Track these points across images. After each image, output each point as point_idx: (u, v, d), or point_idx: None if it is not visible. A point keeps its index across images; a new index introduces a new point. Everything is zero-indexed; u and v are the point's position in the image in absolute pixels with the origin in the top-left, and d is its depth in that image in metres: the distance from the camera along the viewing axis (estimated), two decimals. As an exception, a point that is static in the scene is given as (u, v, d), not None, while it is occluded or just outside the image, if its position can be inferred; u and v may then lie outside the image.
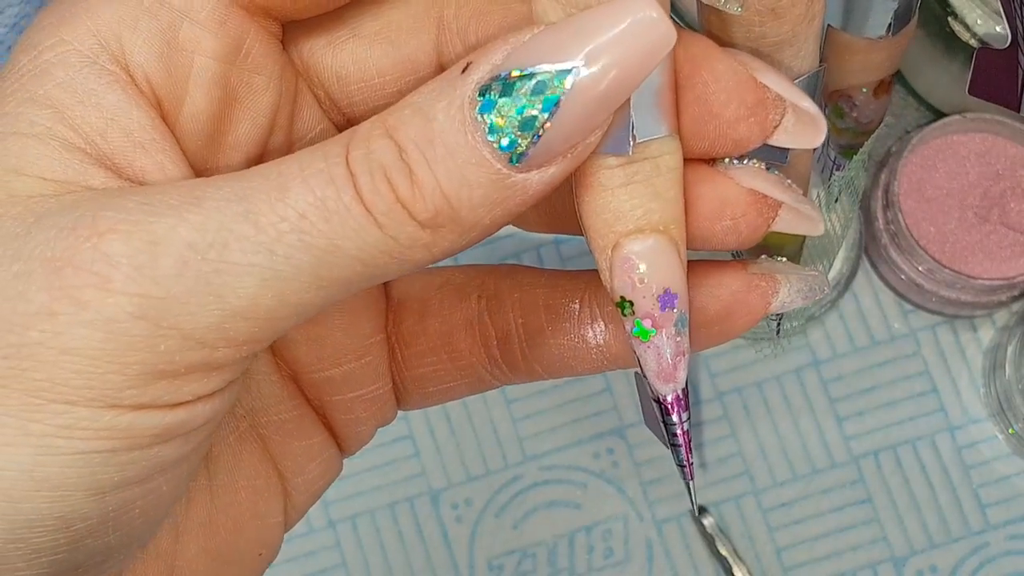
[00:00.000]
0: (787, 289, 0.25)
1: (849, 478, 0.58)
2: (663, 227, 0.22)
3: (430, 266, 0.28)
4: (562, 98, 0.20)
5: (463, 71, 0.21)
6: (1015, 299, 0.57)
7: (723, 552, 0.57)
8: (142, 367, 0.20)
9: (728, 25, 0.23)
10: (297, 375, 0.28)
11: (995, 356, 0.58)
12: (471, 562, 0.58)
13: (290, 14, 0.24)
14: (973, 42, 0.52)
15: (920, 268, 0.56)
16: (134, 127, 0.22)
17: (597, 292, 0.27)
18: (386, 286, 0.30)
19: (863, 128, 0.48)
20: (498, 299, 0.28)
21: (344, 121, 0.27)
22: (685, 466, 0.25)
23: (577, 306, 0.27)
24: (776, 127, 0.23)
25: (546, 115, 0.20)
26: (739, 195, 0.23)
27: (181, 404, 0.21)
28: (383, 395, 0.29)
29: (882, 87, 0.45)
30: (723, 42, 0.23)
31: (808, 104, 0.23)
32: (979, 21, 0.53)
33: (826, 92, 0.35)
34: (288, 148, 0.25)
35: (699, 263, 0.25)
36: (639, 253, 0.22)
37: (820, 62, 0.24)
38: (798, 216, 0.24)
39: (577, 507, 0.58)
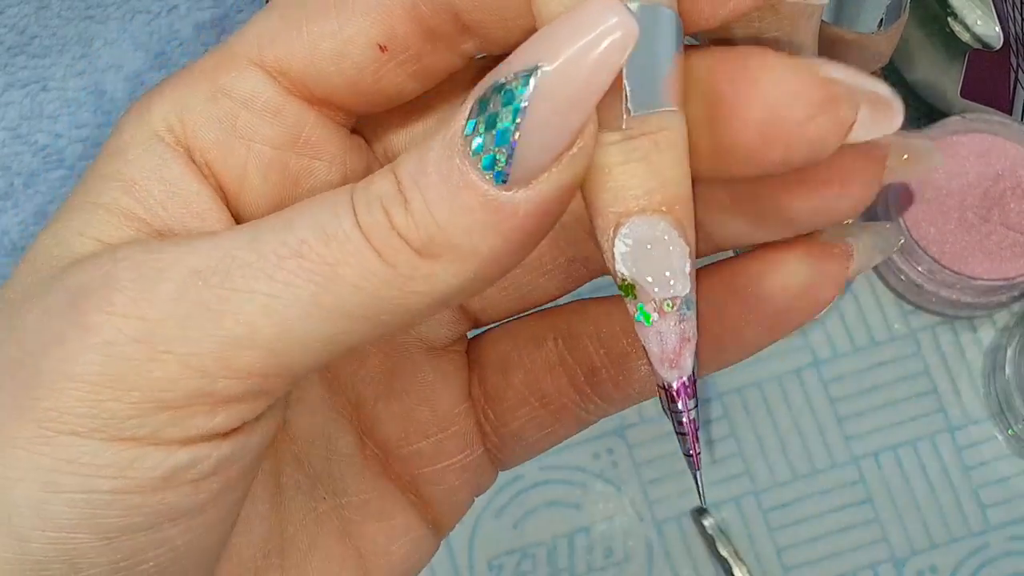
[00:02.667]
0: (861, 250, 0.24)
1: (849, 478, 0.58)
2: (666, 207, 0.21)
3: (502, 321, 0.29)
4: (525, 104, 0.20)
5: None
6: (1015, 299, 0.57)
7: (723, 552, 0.57)
8: (141, 394, 0.20)
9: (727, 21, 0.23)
10: (385, 453, 0.28)
11: (995, 357, 0.58)
12: (471, 562, 0.58)
13: (350, 110, 0.24)
14: (973, 42, 0.52)
15: (920, 268, 0.56)
16: (194, 198, 0.23)
17: None
18: (467, 352, 0.29)
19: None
20: (574, 337, 0.28)
21: None
22: (692, 456, 0.24)
23: None
24: (851, 124, 0.21)
25: (514, 124, 0.20)
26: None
27: (186, 443, 0.21)
28: (474, 462, 0.29)
29: (873, 79, 0.45)
30: (722, 39, 0.23)
31: (882, 88, 0.21)
32: (979, 21, 0.53)
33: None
34: None
35: (758, 250, 0.25)
36: (639, 233, 0.21)
37: (816, 54, 0.24)
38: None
39: (577, 507, 0.58)
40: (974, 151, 0.56)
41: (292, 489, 0.27)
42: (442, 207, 0.20)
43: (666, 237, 0.22)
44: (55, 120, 0.48)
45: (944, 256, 0.56)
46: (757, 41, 0.23)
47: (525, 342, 0.28)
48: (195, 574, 0.23)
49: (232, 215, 0.24)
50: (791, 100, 0.21)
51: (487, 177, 0.20)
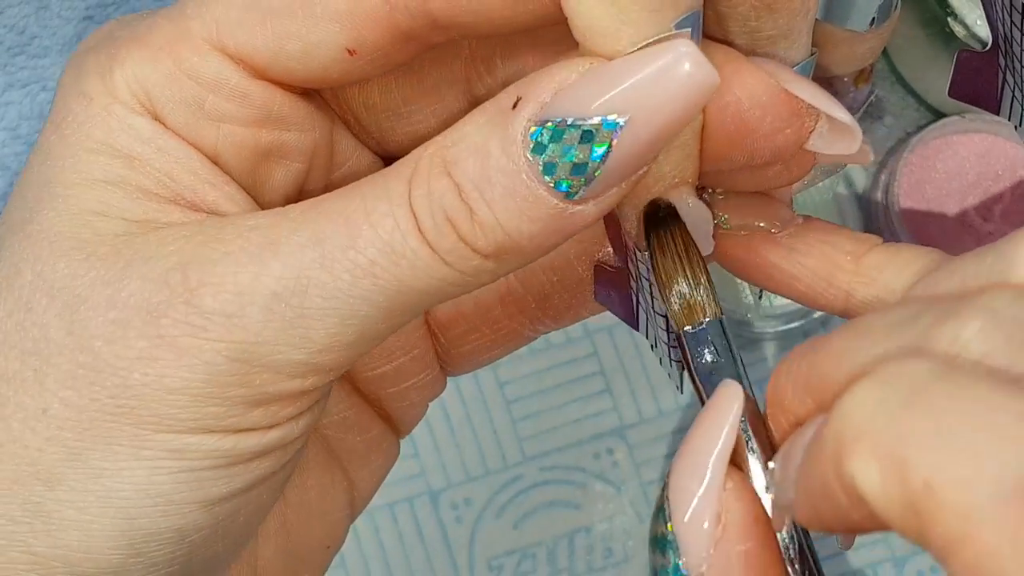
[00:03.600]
0: (822, 129, 0.25)
1: (849, 478, 0.58)
2: (692, 179, 0.23)
3: None
4: (611, 148, 0.21)
5: (513, 106, 0.21)
6: (1015, 299, 0.57)
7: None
8: (240, 399, 0.22)
9: (724, 20, 0.23)
10: (352, 376, 0.30)
11: (995, 356, 0.58)
12: (471, 562, 0.58)
13: (325, 87, 0.25)
14: (973, 42, 0.52)
15: (920, 268, 0.56)
16: (197, 166, 0.24)
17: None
18: None
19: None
20: (527, 269, 0.29)
21: (377, 147, 0.27)
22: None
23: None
24: (811, 133, 0.23)
25: (596, 161, 0.21)
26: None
27: (276, 427, 0.23)
28: (432, 379, 0.31)
29: (862, 76, 0.45)
30: (718, 37, 0.23)
31: (841, 113, 0.23)
32: (979, 21, 0.53)
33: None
34: (326, 180, 0.27)
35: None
36: (680, 206, 0.23)
37: (811, 52, 0.24)
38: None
39: (577, 507, 0.58)
40: (974, 151, 0.56)
41: None
42: (511, 219, 0.21)
43: (698, 207, 0.23)
44: (55, 120, 0.48)
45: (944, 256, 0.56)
46: (753, 39, 0.23)
47: None
48: (264, 516, 0.26)
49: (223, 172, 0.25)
50: (761, 114, 0.22)
51: (557, 192, 0.21)
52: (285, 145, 0.25)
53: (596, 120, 0.20)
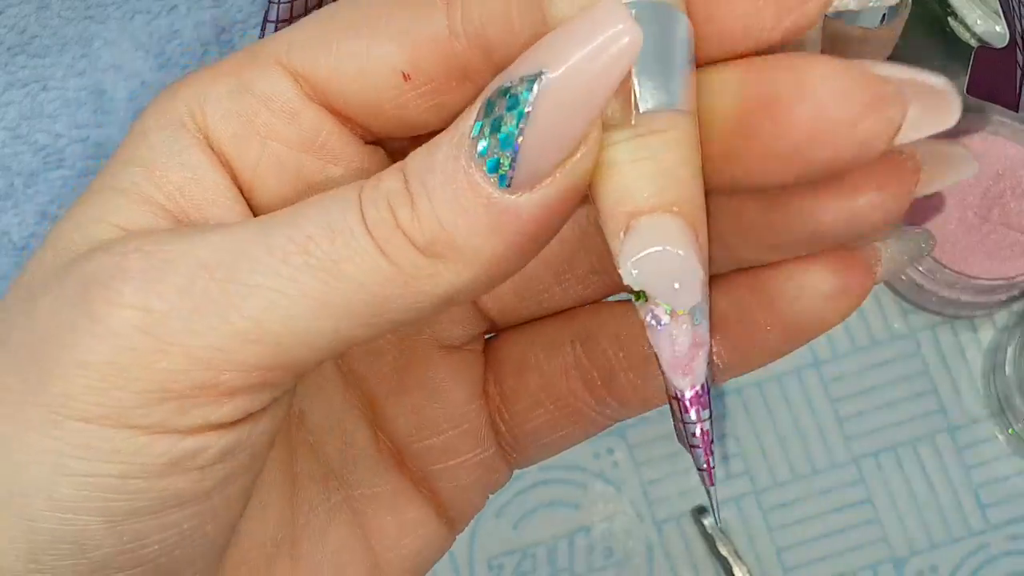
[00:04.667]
0: (888, 256, 0.24)
1: (849, 478, 0.58)
2: (677, 207, 0.21)
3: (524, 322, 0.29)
4: (529, 109, 0.20)
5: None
6: (1015, 299, 0.57)
7: (723, 552, 0.57)
8: (147, 384, 0.21)
9: None
10: (398, 448, 0.28)
11: (995, 356, 0.58)
12: (471, 562, 0.58)
13: (369, 130, 0.24)
14: (973, 42, 0.52)
15: (920, 268, 0.56)
16: (211, 185, 0.23)
17: None
18: (484, 350, 0.29)
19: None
20: (592, 339, 0.28)
21: None
22: (705, 470, 0.24)
23: None
24: (899, 125, 0.21)
25: (519, 128, 0.20)
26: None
27: (191, 432, 0.21)
28: (486, 460, 0.29)
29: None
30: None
31: (934, 80, 0.21)
32: (979, 21, 0.53)
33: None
34: None
35: (776, 265, 0.24)
36: (649, 235, 0.21)
37: (821, 49, 0.24)
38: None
39: (577, 507, 0.58)
40: (974, 151, 0.56)
41: (305, 479, 0.27)
42: (446, 208, 0.20)
43: (677, 238, 0.21)
44: (55, 120, 0.48)
45: (944, 256, 0.56)
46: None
47: (542, 344, 0.28)
48: (202, 559, 0.23)
49: (243, 199, 0.24)
50: (841, 99, 0.20)
51: (491, 180, 0.20)
52: (329, 180, 0.24)
53: (517, 79, 0.20)
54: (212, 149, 0.24)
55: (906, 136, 0.21)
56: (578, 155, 0.20)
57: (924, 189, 0.23)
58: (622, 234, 0.21)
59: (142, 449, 0.21)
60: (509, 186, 0.20)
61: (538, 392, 0.28)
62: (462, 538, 0.58)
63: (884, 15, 0.32)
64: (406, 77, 0.23)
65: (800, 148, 0.21)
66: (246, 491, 0.24)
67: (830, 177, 0.22)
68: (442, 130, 0.24)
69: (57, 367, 0.21)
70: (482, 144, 0.20)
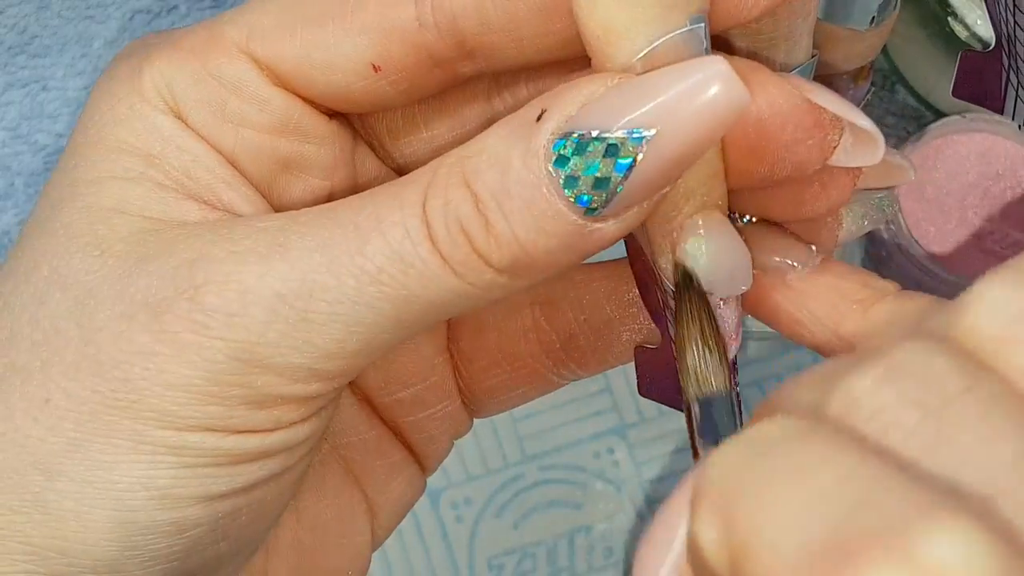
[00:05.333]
0: (850, 218, 0.25)
1: (849, 478, 0.58)
2: (720, 201, 0.22)
3: None
4: (635, 163, 0.20)
5: (538, 119, 0.21)
6: (1015, 299, 0.57)
7: (723, 552, 0.57)
8: (241, 400, 0.22)
9: None
10: (369, 399, 0.29)
11: (995, 356, 0.58)
12: (471, 562, 0.58)
13: (335, 111, 0.25)
14: (972, 42, 0.52)
15: (920, 268, 0.56)
16: (215, 165, 0.24)
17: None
18: None
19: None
20: (553, 303, 0.28)
21: (401, 169, 0.27)
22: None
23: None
24: (835, 148, 0.22)
25: (620, 176, 0.20)
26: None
27: (278, 429, 0.23)
28: (452, 412, 0.30)
29: (862, 73, 0.45)
30: (718, 39, 0.23)
31: (865, 122, 0.22)
32: (979, 21, 0.53)
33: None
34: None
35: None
36: (707, 231, 0.22)
37: (812, 54, 0.24)
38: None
39: (577, 507, 0.58)
40: (974, 151, 0.56)
41: None
42: (527, 233, 0.21)
43: (729, 232, 0.22)
44: (55, 120, 0.48)
45: (944, 256, 0.56)
46: (754, 41, 0.23)
47: (501, 305, 0.29)
48: (273, 523, 0.25)
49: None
50: (782, 123, 0.21)
51: (577, 208, 0.21)
52: (304, 158, 0.25)
53: (622, 133, 0.20)
54: (196, 133, 0.24)
55: (838, 160, 0.22)
56: (664, 191, 0.21)
57: (863, 186, 0.24)
58: (676, 232, 0.22)
59: (236, 446, 0.22)
60: (594, 215, 0.21)
61: (495, 352, 0.29)
62: (462, 538, 0.58)
63: (873, 17, 0.32)
64: (376, 69, 0.23)
65: (741, 164, 0.22)
66: (310, 461, 0.25)
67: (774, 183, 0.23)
68: (417, 104, 0.25)
69: (138, 387, 0.22)
70: (567, 176, 0.20)
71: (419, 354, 0.29)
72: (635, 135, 0.20)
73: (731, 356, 0.23)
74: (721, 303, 0.23)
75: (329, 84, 0.23)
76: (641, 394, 0.29)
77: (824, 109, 0.21)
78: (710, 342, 0.22)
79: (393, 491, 0.29)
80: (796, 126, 0.21)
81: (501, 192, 0.21)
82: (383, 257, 0.21)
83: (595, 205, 0.20)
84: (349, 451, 0.29)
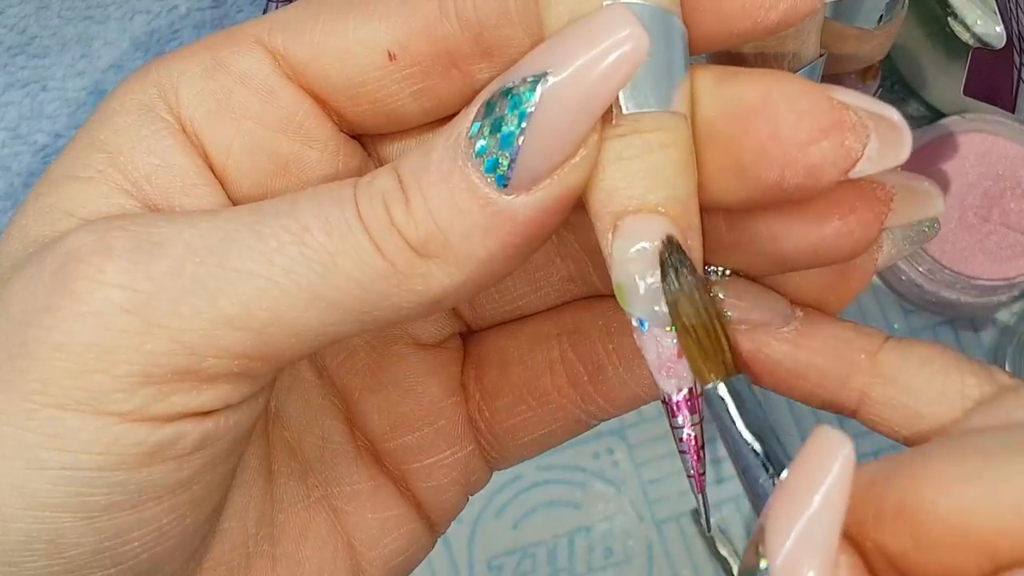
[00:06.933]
0: (891, 240, 0.24)
1: (849, 478, 0.58)
2: (663, 208, 0.21)
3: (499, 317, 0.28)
4: (531, 110, 0.20)
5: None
6: (1015, 299, 0.57)
7: (723, 552, 0.57)
8: (128, 367, 0.20)
9: None
10: (373, 445, 0.28)
11: (995, 357, 0.58)
12: (471, 562, 0.58)
13: (345, 117, 0.24)
14: (972, 42, 0.52)
15: (920, 269, 0.56)
16: (179, 172, 0.23)
17: None
18: (464, 345, 0.29)
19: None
20: (580, 333, 0.27)
21: None
22: (693, 477, 0.23)
23: None
24: (858, 158, 0.20)
25: (519, 126, 0.20)
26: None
27: (170, 419, 0.21)
28: (463, 458, 0.28)
29: (870, 72, 0.46)
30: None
31: (892, 114, 0.21)
32: (979, 21, 0.53)
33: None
34: None
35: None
36: (634, 235, 0.21)
37: (820, 52, 0.24)
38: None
39: (577, 507, 0.58)
40: (974, 151, 0.56)
41: (284, 476, 0.27)
42: (441, 208, 0.20)
43: (654, 241, 0.21)
44: (55, 120, 0.48)
45: (944, 256, 0.56)
46: (763, 40, 0.23)
47: (526, 337, 0.28)
48: (181, 555, 0.23)
49: (218, 183, 0.24)
50: (796, 119, 0.20)
51: (488, 180, 0.20)
52: (304, 163, 0.24)
53: (519, 79, 0.20)
54: (184, 132, 0.23)
55: (862, 170, 0.20)
56: (576, 158, 0.20)
57: (890, 223, 0.22)
58: (610, 235, 0.21)
59: (119, 438, 0.20)
60: (506, 187, 0.20)
61: (520, 387, 0.28)
62: (462, 538, 0.58)
63: (881, 16, 0.32)
64: (392, 56, 0.22)
65: (748, 165, 0.20)
66: (224, 483, 0.23)
67: (790, 203, 0.21)
68: (422, 123, 0.24)
69: (32, 350, 0.20)
70: (480, 144, 0.20)
71: (426, 396, 0.28)
72: (531, 79, 0.20)
73: (674, 390, 0.22)
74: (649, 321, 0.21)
75: (342, 73, 0.23)
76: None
77: (846, 109, 0.20)
78: (692, 348, 0.21)
79: (387, 548, 0.28)
80: (812, 124, 0.20)
81: (421, 169, 0.20)
82: (310, 217, 0.20)
83: (502, 169, 0.20)
84: (340, 501, 0.27)
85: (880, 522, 0.19)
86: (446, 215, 0.20)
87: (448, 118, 0.24)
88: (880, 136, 0.20)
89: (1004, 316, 0.59)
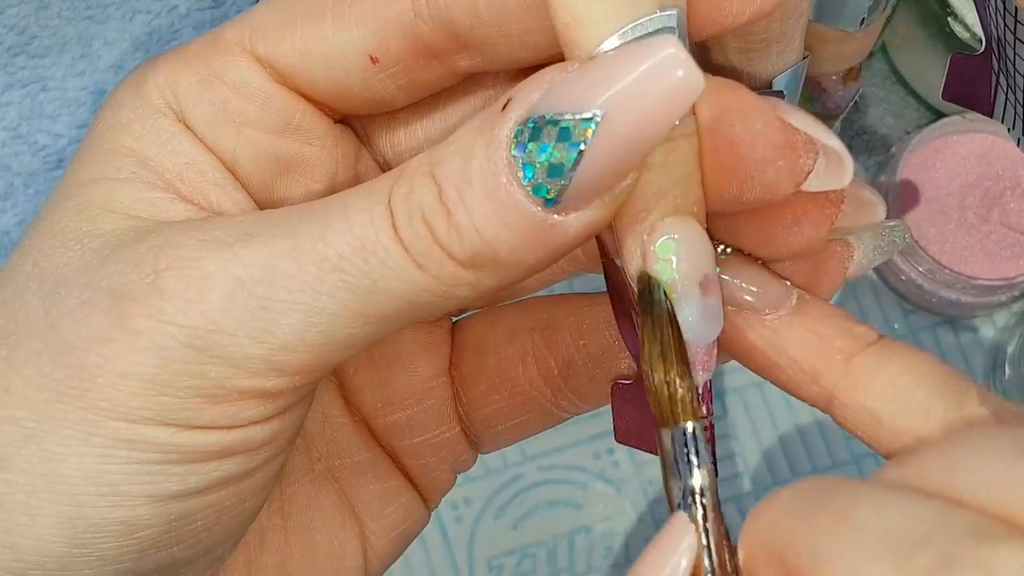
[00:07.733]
0: (862, 250, 0.24)
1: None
2: (697, 208, 0.21)
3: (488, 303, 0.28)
4: (585, 146, 0.20)
5: (503, 108, 0.20)
6: (1015, 299, 0.57)
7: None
8: (194, 392, 0.21)
9: None
10: (366, 420, 0.29)
11: (995, 356, 0.58)
12: (471, 562, 0.58)
13: (337, 110, 0.25)
14: (972, 42, 0.52)
15: (920, 269, 0.56)
16: (207, 168, 0.24)
17: None
18: (452, 329, 0.30)
19: (830, 113, 0.48)
20: (553, 327, 0.28)
21: None
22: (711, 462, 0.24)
23: None
24: (808, 172, 0.21)
25: (572, 160, 0.20)
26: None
27: (239, 426, 0.22)
28: (451, 439, 0.29)
29: (851, 74, 0.46)
30: (712, 41, 0.23)
31: (834, 142, 0.22)
32: (979, 21, 0.53)
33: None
34: None
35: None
36: (679, 234, 0.21)
37: (803, 55, 0.24)
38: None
39: (577, 507, 0.58)
40: (974, 151, 0.56)
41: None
42: (488, 224, 0.20)
43: (701, 239, 0.21)
44: (55, 120, 0.48)
45: (944, 256, 0.56)
46: (747, 42, 0.23)
47: (502, 328, 0.29)
48: (234, 535, 0.24)
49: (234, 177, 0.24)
50: (752, 140, 0.21)
51: (537, 200, 0.20)
52: (305, 160, 0.24)
53: (572, 115, 0.20)
54: (196, 137, 0.24)
55: (810, 186, 0.21)
56: (628, 180, 0.20)
57: (838, 225, 0.23)
58: (646, 235, 0.21)
59: (191, 442, 0.21)
60: (553, 206, 0.20)
61: (494, 376, 0.28)
62: (462, 538, 0.58)
63: (863, 19, 0.32)
64: (374, 60, 0.23)
65: (709, 181, 0.21)
66: (280, 469, 0.25)
67: (744, 212, 0.22)
68: (410, 105, 0.24)
69: (92, 374, 0.21)
70: (526, 164, 0.20)
71: (415, 375, 0.29)
72: (585, 117, 0.19)
73: (702, 381, 0.22)
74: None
75: (330, 79, 0.23)
76: (618, 440, 0.28)
77: (797, 131, 0.21)
78: (672, 356, 0.21)
79: (388, 516, 0.29)
80: (767, 144, 0.21)
81: (463, 181, 0.20)
82: (345, 244, 0.21)
83: (552, 195, 0.20)
84: (343, 473, 0.28)
85: None
86: (493, 232, 0.20)
87: (438, 96, 0.25)
88: (828, 162, 0.21)
89: (1004, 316, 0.59)
